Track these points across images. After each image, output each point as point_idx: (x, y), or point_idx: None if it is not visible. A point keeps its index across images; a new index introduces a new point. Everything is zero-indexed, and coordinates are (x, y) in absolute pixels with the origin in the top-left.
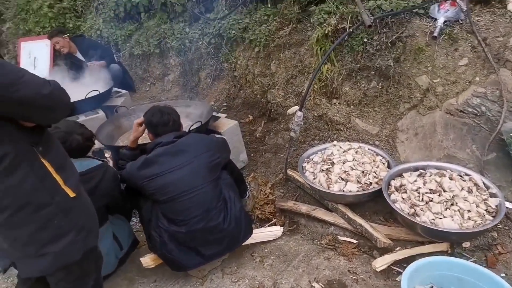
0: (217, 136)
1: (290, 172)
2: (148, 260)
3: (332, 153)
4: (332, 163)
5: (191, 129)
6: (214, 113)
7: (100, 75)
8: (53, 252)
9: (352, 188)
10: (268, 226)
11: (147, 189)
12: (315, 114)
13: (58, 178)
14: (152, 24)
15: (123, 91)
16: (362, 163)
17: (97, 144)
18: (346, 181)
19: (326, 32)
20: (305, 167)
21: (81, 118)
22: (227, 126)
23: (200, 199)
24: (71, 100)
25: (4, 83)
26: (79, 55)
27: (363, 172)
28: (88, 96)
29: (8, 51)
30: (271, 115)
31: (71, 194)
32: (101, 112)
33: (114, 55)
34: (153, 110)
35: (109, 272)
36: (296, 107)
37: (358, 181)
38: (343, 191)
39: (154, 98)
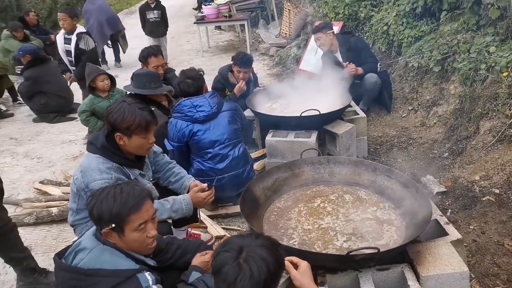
0: None
1: None
2: None
3: None
4: None
5: None
6: (443, 220)
7: (348, 86)
8: None
9: None
10: None
11: None
12: None
13: None
14: (448, 30)
15: (360, 115)
16: None
17: None
18: None
19: None
20: None
21: (289, 137)
22: None
23: None
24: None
25: None
26: (338, 55)
27: None
28: (303, 114)
29: (306, 33)
30: None
31: None
32: (313, 137)
33: (378, 63)
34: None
35: None
36: None
37: None
38: None
39: (405, 132)
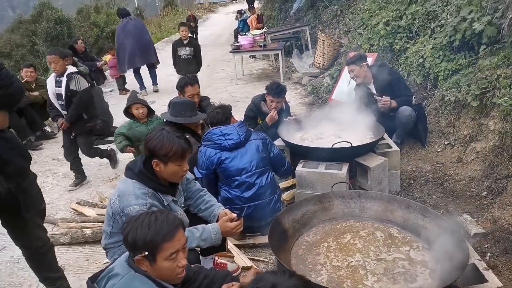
0: None
1: None
2: None
3: None
4: None
5: None
6: (482, 265)
7: (381, 119)
8: None
9: None
10: None
11: None
12: None
13: None
14: (487, 65)
15: (393, 148)
16: None
17: None
18: None
19: None
20: None
21: (319, 169)
22: None
23: None
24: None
25: None
26: (372, 87)
27: None
28: (335, 146)
29: (338, 63)
30: None
31: None
32: (344, 169)
33: (413, 96)
34: None
35: None
36: None
37: None
38: None
39: (440, 167)
